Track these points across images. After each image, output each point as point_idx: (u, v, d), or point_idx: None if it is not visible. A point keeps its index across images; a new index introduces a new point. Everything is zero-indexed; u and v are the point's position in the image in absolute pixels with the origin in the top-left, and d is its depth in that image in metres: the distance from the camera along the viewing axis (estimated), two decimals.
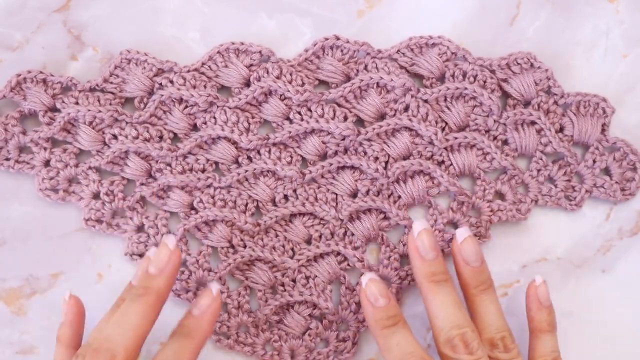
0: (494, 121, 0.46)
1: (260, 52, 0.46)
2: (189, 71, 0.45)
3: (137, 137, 0.45)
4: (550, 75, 0.46)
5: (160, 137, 0.45)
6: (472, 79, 0.45)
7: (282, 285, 0.46)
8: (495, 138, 0.46)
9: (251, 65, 0.46)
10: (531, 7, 0.48)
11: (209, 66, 0.46)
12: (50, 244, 0.46)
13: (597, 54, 0.48)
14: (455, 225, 0.46)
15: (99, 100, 0.45)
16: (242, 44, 0.46)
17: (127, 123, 0.45)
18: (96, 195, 0.45)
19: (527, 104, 0.46)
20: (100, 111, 0.44)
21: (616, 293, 0.47)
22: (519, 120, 0.46)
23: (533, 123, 0.46)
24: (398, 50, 0.46)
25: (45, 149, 0.45)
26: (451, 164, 0.46)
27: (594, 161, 0.46)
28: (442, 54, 0.46)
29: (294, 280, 0.45)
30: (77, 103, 0.45)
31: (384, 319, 0.40)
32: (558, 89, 0.46)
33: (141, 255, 0.45)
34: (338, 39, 0.46)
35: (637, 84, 0.48)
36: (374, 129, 0.45)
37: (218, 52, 0.45)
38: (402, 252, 0.46)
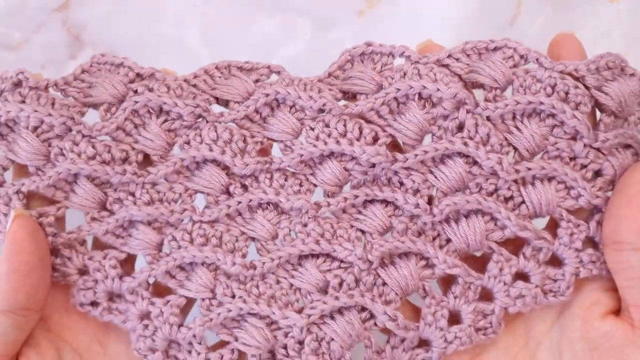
0: (584, 145, 0.34)
1: (269, 67, 0.36)
2: (175, 79, 0.35)
3: (93, 157, 0.34)
4: None
5: (125, 159, 0.35)
6: (549, 89, 0.34)
7: (285, 348, 0.35)
8: (584, 167, 0.34)
9: (258, 80, 0.36)
10: (531, 7, 0.48)
11: (204, 79, 0.36)
12: None
13: (597, 54, 0.48)
14: (525, 277, 0.35)
15: (52, 104, 0.34)
16: (248, 62, 0.36)
17: (83, 136, 0.34)
18: None
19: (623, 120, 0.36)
20: (50, 114, 0.33)
21: None
22: (620, 143, 0.34)
23: (628, 146, 0.35)
24: (449, 55, 0.35)
25: None
26: (523, 202, 0.35)
27: None
28: (507, 58, 0.35)
29: (300, 343, 0.34)
30: (23, 102, 0.34)
31: None
32: None
33: (93, 304, 0.35)
34: (369, 45, 0.35)
35: None
36: (415, 155, 0.34)
37: (216, 67, 0.36)
38: (452, 308, 0.35)
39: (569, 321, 0.35)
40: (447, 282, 0.36)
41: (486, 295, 0.36)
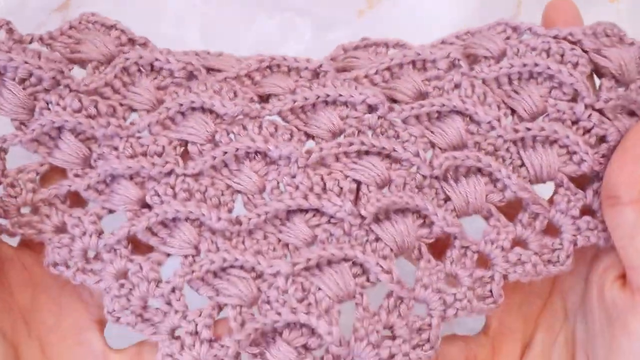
0: (586, 107, 0.33)
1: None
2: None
3: (79, 111, 0.32)
4: None
5: (111, 115, 0.33)
6: (543, 54, 0.33)
7: (268, 302, 0.32)
8: (587, 131, 0.33)
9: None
10: (531, 7, 0.48)
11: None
12: None
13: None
14: (524, 244, 0.34)
15: (39, 57, 0.33)
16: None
17: (70, 90, 0.33)
18: None
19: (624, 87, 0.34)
20: (40, 67, 0.32)
21: None
22: (622, 105, 0.33)
23: (631, 114, 0.34)
24: (443, 42, 0.36)
25: None
26: (522, 164, 0.33)
27: None
28: (500, 32, 0.35)
29: (285, 293, 0.32)
30: (9, 53, 0.32)
31: None
32: None
33: (67, 265, 0.33)
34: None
35: None
36: (412, 108, 0.33)
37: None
38: (449, 270, 0.33)
39: (589, 289, 0.33)
40: (440, 250, 0.34)
41: (483, 266, 0.34)
